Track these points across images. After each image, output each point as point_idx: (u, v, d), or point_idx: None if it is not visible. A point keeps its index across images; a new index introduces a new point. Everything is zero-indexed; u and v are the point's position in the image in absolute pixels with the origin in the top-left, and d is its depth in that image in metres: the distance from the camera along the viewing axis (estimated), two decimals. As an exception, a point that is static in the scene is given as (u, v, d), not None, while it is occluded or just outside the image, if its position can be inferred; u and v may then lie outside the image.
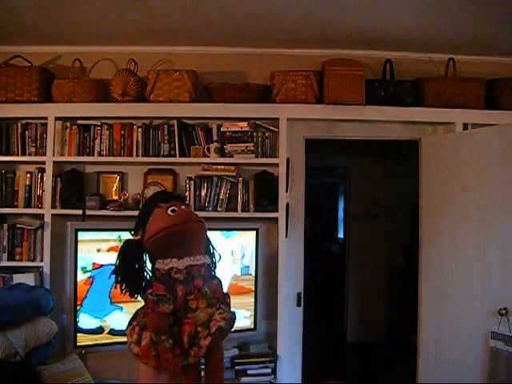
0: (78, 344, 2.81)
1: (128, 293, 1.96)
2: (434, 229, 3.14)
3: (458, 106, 3.19)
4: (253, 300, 3.12)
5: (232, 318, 1.95)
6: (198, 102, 3.22)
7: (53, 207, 3.15)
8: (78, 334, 2.80)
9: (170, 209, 1.98)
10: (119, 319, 2.75)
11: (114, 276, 1.97)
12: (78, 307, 2.80)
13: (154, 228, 1.95)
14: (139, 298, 2.00)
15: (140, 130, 3.23)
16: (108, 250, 2.82)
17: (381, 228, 5.66)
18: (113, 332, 2.81)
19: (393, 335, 5.40)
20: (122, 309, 2.79)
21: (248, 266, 3.13)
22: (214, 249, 2.17)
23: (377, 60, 3.35)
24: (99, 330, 2.82)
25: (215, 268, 2.15)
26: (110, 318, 2.82)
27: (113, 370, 2.88)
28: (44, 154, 3.18)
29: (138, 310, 1.99)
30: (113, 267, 1.99)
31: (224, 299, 2.04)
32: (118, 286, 1.96)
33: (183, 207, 2.05)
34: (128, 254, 1.99)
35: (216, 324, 1.86)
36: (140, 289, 1.96)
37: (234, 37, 3.22)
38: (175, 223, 1.94)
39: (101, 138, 3.22)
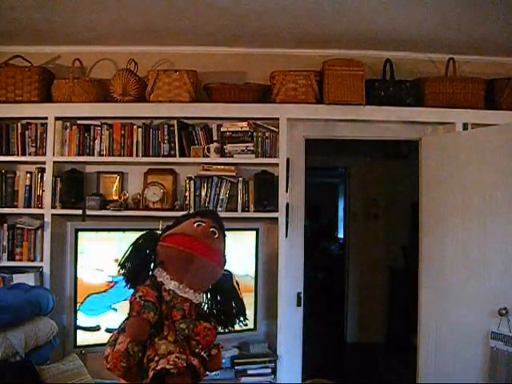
0: (77, 344, 2.82)
1: (124, 278, 1.92)
2: (434, 229, 3.14)
3: (458, 106, 3.19)
4: (253, 300, 3.13)
5: (191, 369, 1.75)
6: (198, 102, 3.21)
7: (53, 207, 3.15)
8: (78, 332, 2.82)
9: (197, 223, 1.92)
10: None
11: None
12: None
13: (175, 229, 1.92)
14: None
15: (140, 130, 3.22)
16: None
17: (381, 228, 5.67)
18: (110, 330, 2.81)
19: (393, 335, 5.40)
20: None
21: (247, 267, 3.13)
22: (225, 303, 2.01)
23: (377, 60, 3.35)
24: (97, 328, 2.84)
25: (217, 316, 2.00)
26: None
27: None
28: (44, 154, 3.18)
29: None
30: None
31: (209, 348, 1.87)
32: (119, 268, 1.92)
33: (213, 230, 1.93)
34: (141, 240, 1.95)
35: (163, 363, 1.69)
36: (136, 279, 1.89)
37: (234, 37, 3.22)
38: (185, 242, 1.85)
39: (101, 138, 3.21)
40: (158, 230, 2.01)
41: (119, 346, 1.75)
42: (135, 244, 1.95)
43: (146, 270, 1.93)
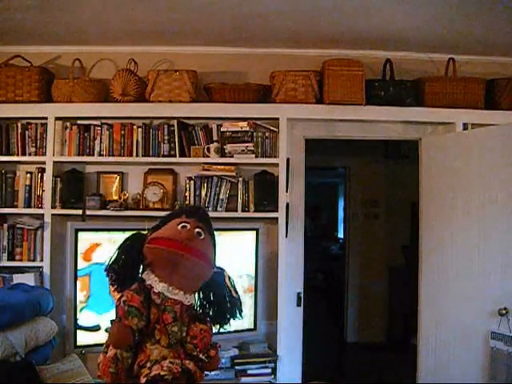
0: (77, 344, 2.82)
1: (111, 282, 1.87)
2: (434, 229, 3.14)
3: (458, 106, 3.19)
4: (253, 300, 3.13)
5: (186, 374, 1.71)
6: (198, 102, 3.21)
7: (53, 207, 3.15)
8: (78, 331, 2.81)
9: (182, 224, 1.86)
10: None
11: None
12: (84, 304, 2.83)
13: (159, 233, 1.87)
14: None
15: (140, 129, 3.22)
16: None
17: (381, 228, 5.66)
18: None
19: (393, 335, 5.40)
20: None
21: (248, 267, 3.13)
22: (218, 302, 1.95)
23: (377, 60, 3.35)
24: (96, 328, 2.84)
25: (211, 316, 1.95)
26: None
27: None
28: (44, 154, 3.18)
29: None
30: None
31: (207, 350, 1.84)
32: (106, 272, 1.88)
33: (198, 230, 1.87)
34: (128, 242, 1.91)
35: (157, 369, 1.64)
36: (124, 283, 1.85)
37: (233, 37, 3.22)
38: (170, 244, 1.80)
39: (101, 138, 3.21)
40: (145, 230, 1.96)
41: (110, 353, 1.73)
42: (122, 246, 1.91)
43: (133, 273, 1.89)
